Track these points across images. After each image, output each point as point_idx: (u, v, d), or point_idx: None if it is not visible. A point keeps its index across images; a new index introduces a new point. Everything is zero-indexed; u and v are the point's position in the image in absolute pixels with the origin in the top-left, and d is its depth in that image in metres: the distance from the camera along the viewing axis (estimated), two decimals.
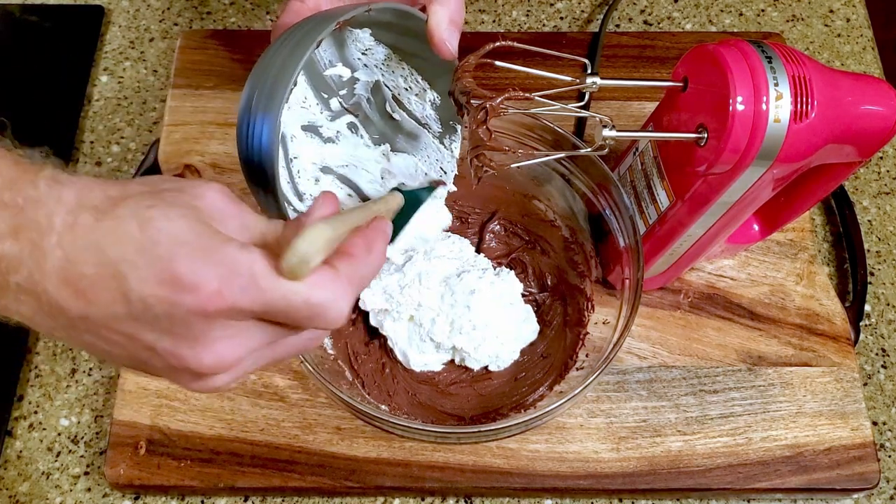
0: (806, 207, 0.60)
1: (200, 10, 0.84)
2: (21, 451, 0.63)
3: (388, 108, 0.52)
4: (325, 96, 0.53)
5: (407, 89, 0.50)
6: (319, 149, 0.53)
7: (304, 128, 0.52)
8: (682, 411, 0.62)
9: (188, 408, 0.62)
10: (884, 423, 0.65)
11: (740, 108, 0.46)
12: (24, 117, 0.76)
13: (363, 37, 0.50)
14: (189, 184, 0.36)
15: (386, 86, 0.51)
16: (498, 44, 0.48)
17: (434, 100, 0.51)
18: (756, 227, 0.64)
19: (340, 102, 0.53)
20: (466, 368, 0.63)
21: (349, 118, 0.53)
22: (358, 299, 0.63)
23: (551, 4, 0.85)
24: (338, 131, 0.53)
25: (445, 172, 0.52)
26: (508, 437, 0.60)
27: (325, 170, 0.52)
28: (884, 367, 0.67)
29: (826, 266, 0.71)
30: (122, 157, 0.75)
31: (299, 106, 0.52)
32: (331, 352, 0.63)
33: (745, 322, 0.66)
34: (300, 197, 0.50)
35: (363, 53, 0.51)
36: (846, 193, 0.72)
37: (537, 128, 0.61)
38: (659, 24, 0.84)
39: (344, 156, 0.53)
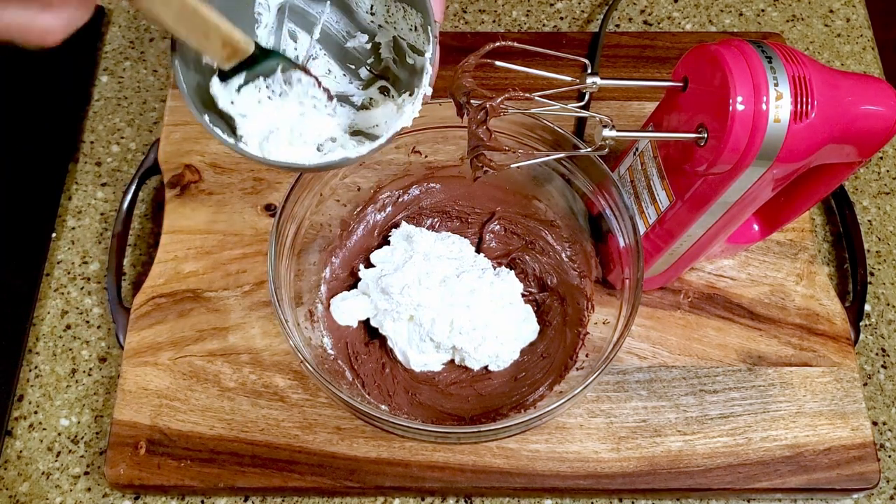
0: (806, 207, 0.60)
1: None
2: (21, 451, 0.63)
3: (409, 60, 0.52)
4: (353, 67, 0.54)
5: (410, 29, 0.51)
6: (352, 116, 0.54)
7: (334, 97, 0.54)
8: (682, 411, 0.62)
9: (188, 408, 0.62)
10: (884, 423, 0.65)
11: (740, 108, 0.46)
12: (24, 117, 0.77)
13: None
14: None
15: (402, 39, 0.52)
16: (498, 44, 0.48)
17: (419, 23, 0.50)
18: (756, 227, 0.64)
19: (370, 70, 0.54)
20: (466, 368, 0.63)
21: (380, 83, 0.54)
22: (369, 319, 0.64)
23: (551, 4, 0.85)
24: (371, 98, 0.54)
25: (423, 77, 0.50)
26: (508, 437, 0.60)
27: (355, 133, 0.54)
28: (884, 367, 0.67)
29: (826, 266, 0.71)
30: (122, 157, 0.75)
31: (319, 76, 0.53)
32: (331, 352, 0.63)
33: (745, 322, 0.66)
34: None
35: (371, 13, 0.51)
36: (846, 193, 0.72)
37: (537, 128, 0.61)
38: (659, 24, 0.84)
39: (377, 117, 0.54)
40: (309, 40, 0.53)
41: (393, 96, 0.54)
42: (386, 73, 0.54)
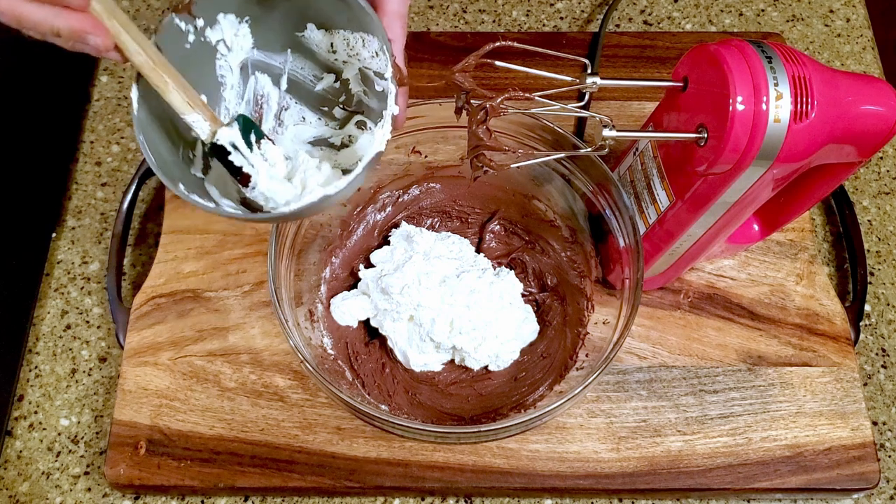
0: (806, 207, 0.60)
1: None
2: (21, 451, 0.63)
3: (378, 87, 0.52)
4: (326, 109, 0.54)
5: (372, 56, 0.50)
6: (335, 157, 0.54)
7: (313, 143, 0.54)
8: (682, 411, 0.62)
9: (188, 408, 0.62)
10: (884, 423, 0.65)
11: (740, 108, 0.46)
12: (24, 117, 0.77)
13: (315, 36, 0.50)
14: None
15: (367, 68, 0.52)
16: (498, 44, 0.48)
17: (377, 48, 0.50)
18: (756, 227, 0.64)
19: (343, 108, 0.54)
20: (466, 368, 0.63)
21: (356, 118, 0.54)
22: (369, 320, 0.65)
23: (551, 4, 0.85)
24: (349, 135, 0.54)
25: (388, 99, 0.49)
26: (508, 437, 0.60)
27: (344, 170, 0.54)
28: (884, 367, 0.67)
29: (826, 266, 0.71)
30: (122, 157, 0.75)
31: (293, 125, 0.54)
32: (331, 352, 0.63)
33: (745, 322, 0.66)
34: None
35: (332, 51, 0.51)
36: (846, 193, 0.72)
37: (537, 128, 0.61)
38: (659, 24, 0.84)
39: (359, 152, 0.53)
40: (278, 93, 0.53)
41: (370, 128, 0.54)
42: (360, 107, 0.54)
